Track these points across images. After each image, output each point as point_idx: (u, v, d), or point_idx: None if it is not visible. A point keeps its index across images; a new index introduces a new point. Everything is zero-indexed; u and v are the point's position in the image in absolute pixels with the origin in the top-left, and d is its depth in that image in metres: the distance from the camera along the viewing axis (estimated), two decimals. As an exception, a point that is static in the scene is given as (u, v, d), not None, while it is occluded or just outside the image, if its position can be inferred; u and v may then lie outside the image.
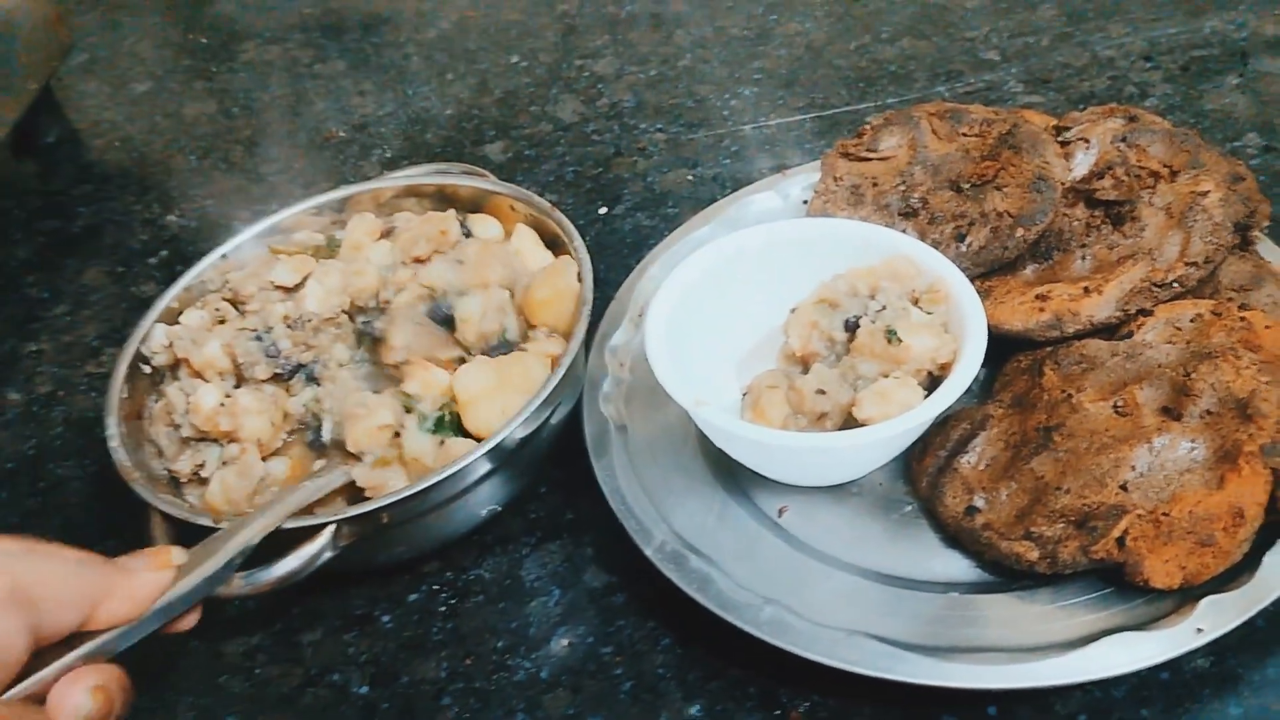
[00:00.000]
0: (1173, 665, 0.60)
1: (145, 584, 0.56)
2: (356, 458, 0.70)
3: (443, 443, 0.70)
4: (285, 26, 1.42)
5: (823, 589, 0.65)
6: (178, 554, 0.59)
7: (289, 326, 0.75)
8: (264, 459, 0.73)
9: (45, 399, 0.93)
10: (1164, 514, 0.61)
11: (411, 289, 0.77)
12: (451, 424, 0.71)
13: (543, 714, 0.65)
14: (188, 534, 0.67)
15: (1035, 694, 0.61)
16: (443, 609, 0.71)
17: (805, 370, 0.71)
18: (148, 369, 0.78)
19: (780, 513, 0.71)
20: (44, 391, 0.94)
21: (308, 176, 1.14)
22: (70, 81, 1.37)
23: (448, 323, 0.77)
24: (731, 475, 0.72)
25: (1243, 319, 0.69)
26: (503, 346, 0.76)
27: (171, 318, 0.80)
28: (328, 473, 0.70)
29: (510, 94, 1.21)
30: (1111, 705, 0.60)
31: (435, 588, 0.72)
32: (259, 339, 0.75)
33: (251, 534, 0.62)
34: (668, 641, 0.67)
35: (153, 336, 0.78)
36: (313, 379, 0.75)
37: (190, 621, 0.60)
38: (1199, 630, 0.57)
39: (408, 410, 0.71)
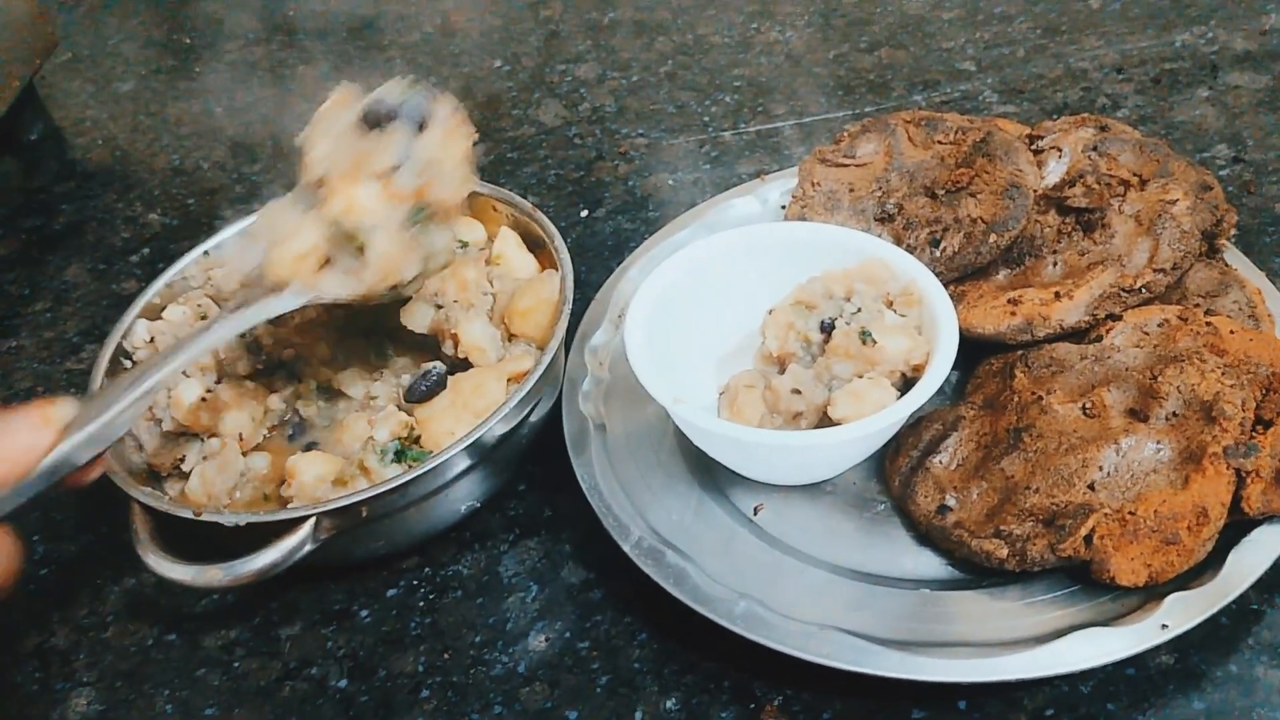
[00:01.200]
0: (1138, 661, 0.62)
1: (23, 445, 0.53)
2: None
3: (410, 466, 0.69)
4: (269, 28, 1.42)
5: (796, 585, 0.66)
6: (62, 410, 0.55)
7: (271, 323, 0.76)
8: (244, 454, 0.73)
9: (25, 395, 0.93)
10: (1130, 513, 0.62)
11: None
12: (411, 451, 0.70)
13: (520, 708, 0.65)
14: (168, 526, 0.67)
15: (1004, 688, 0.62)
16: (421, 604, 0.72)
17: (782, 370, 0.73)
18: (129, 364, 0.78)
19: (756, 510, 0.72)
20: (24, 387, 0.94)
21: (290, 176, 1.14)
22: (54, 79, 1.37)
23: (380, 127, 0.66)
24: (709, 473, 0.73)
25: (1209, 324, 0.71)
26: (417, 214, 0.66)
27: (153, 313, 0.80)
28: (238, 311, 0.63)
29: (493, 97, 1.21)
30: (1078, 700, 0.61)
31: (414, 583, 0.73)
32: (240, 335, 0.75)
33: (156, 380, 0.59)
34: (644, 636, 0.68)
35: (134, 332, 0.79)
36: (295, 375, 0.76)
37: (92, 475, 0.56)
38: (1164, 626, 0.59)
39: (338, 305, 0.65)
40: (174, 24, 1.47)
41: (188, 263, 0.84)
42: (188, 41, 1.43)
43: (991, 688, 0.62)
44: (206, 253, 0.84)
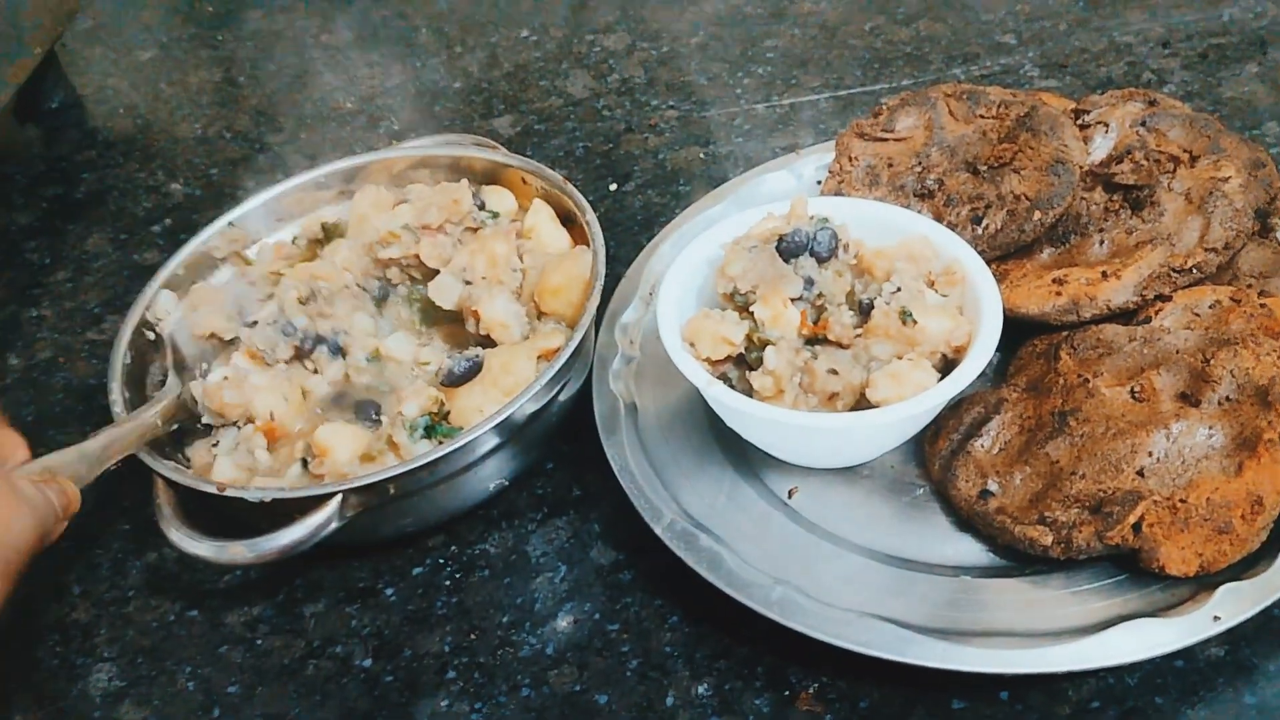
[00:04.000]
0: (1187, 653, 0.60)
1: None
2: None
3: (440, 442, 0.68)
4: (292, -4, 1.40)
5: (833, 570, 0.64)
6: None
7: (302, 303, 0.74)
8: (294, 436, 0.72)
9: (46, 365, 0.92)
10: (1181, 500, 0.60)
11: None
12: (441, 427, 0.70)
13: (548, 690, 0.64)
14: (192, 500, 0.66)
15: (1048, 679, 0.60)
16: (447, 583, 0.70)
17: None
18: (151, 335, 0.77)
19: (790, 494, 0.70)
20: (45, 358, 0.93)
21: (314, 147, 1.13)
22: (75, 47, 1.35)
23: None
24: (742, 455, 0.72)
25: (1263, 305, 0.68)
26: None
27: (176, 284, 0.79)
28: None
29: (520, 68, 1.19)
30: (1125, 692, 0.59)
31: (440, 561, 0.72)
32: (273, 321, 0.74)
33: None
34: (675, 619, 0.66)
35: (158, 303, 0.77)
36: (338, 350, 0.74)
37: None
38: (1216, 618, 0.57)
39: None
40: (196, -9, 1.46)
41: (211, 234, 0.83)
42: (210, 10, 1.41)
43: (1034, 679, 0.60)
44: (231, 223, 0.83)
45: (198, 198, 1.09)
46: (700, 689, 0.63)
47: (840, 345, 0.68)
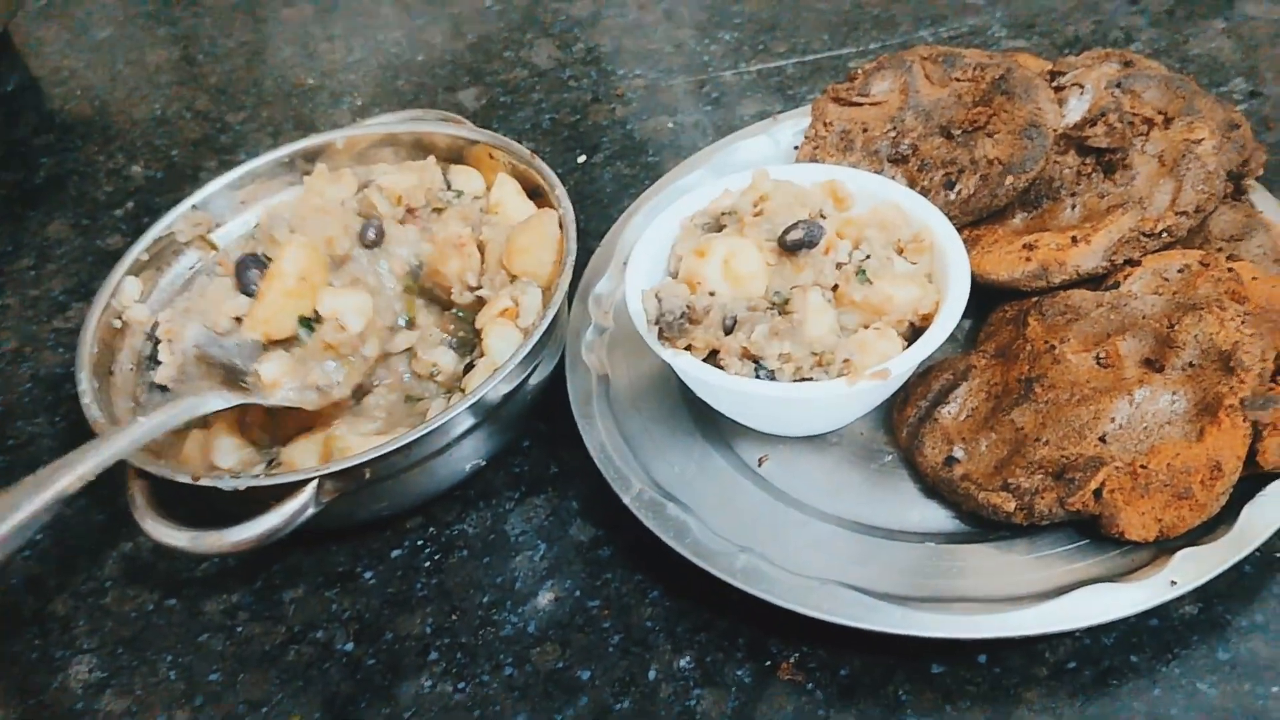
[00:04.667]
0: (1161, 612, 0.61)
1: None
2: None
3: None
4: (249, -31, 1.38)
5: (799, 538, 0.65)
6: None
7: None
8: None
9: (11, 355, 0.91)
10: (1142, 466, 0.61)
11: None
12: None
13: (531, 668, 0.64)
14: (165, 490, 0.65)
15: (1025, 641, 0.61)
16: (426, 565, 0.70)
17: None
18: (118, 323, 0.76)
19: (760, 462, 0.70)
20: (10, 348, 0.92)
21: (276, 124, 1.11)
22: (28, 28, 1.32)
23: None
24: (713, 424, 0.72)
25: (1230, 270, 0.68)
26: None
27: (140, 270, 0.78)
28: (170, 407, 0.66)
29: (484, 39, 1.18)
30: (1101, 652, 0.60)
31: (418, 543, 0.71)
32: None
33: (70, 480, 0.60)
34: (656, 594, 0.66)
35: (123, 290, 0.76)
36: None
37: None
38: (1173, 583, 0.57)
39: None
40: (151, -33, 1.42)
41: (174, 218, 0.81)
42: (166, -15, 1.38)
43: (1012, 641, 0.61)
44: (194, 207, 0.82)
45: (159, 180, 1.07)
46: (682, 662, 0.63)
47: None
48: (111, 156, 1.11)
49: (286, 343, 0.70)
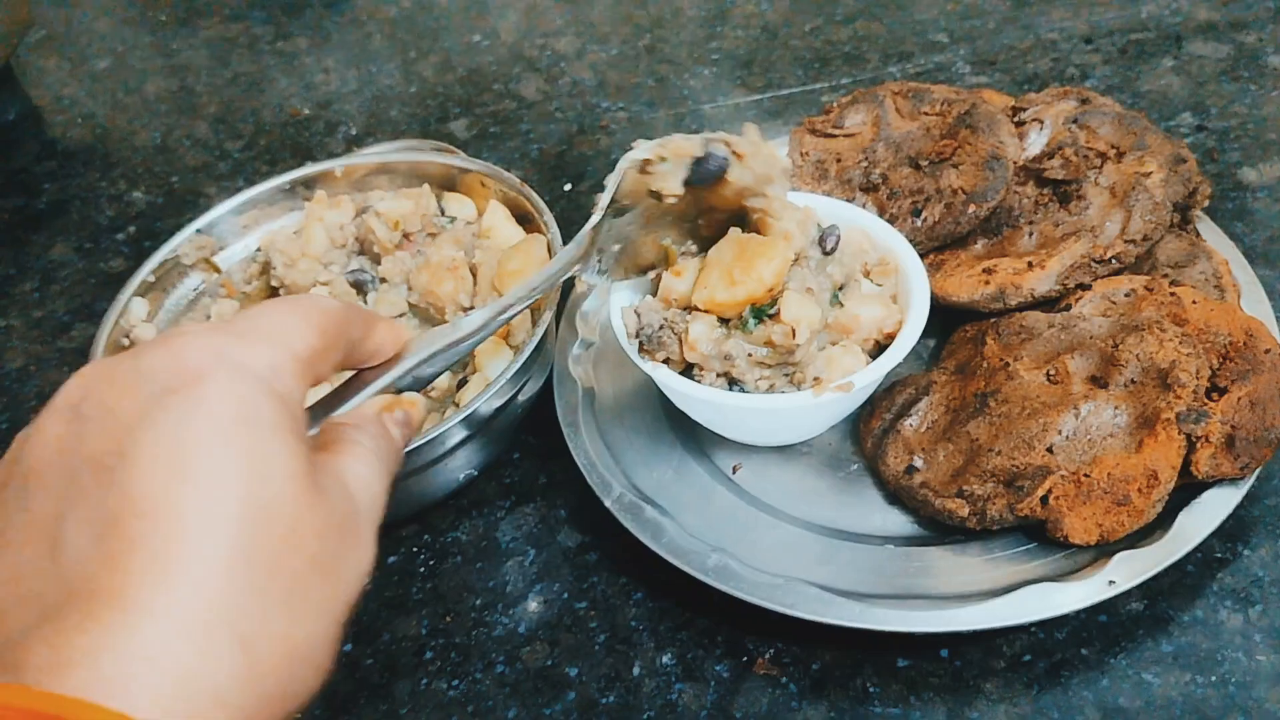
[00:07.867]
0: (1109, 608, 0.65)
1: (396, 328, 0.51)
2: None
3: None
4: (245, 3, 1.42)
5: (768, 540, 0.69)
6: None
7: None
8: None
9: (18, 374, 0.94)
10: (1085, 475, 0.65)
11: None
12: None
13: (521, 666, 0.68)
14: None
15: (984, 636, 0.65)
16: (422, 570, 0.74)
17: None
18: (126, 342, 0.79)
19: (735, 469, 0.74)
20: (16, 366, 0.95)
21: (274, 153, 1.16)
22: (29, 59, 1.36)
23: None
24: (691, 434, 0.76)
25: (1173, 294, 0.73)
26: None
27: (147, 291, 0.82)
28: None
29: (474, 71, 1.22)
30: (1054, 646, 0.65)
31: (414, 550, 0.75)
32: None
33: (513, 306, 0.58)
34: (639, 595, 0.71)
35: (131, 310, 0.80)
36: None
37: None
38: (1111, 582, 0.62)
39: None
40: (149, 0, 1.47)
41: (180, 241, 0.85)
42: (163, 18, 1.42)
43: (971, 636, 0.65)
44: (199, 230, 0.86)
45: (160, 205, 1.11)
46: (664, 658, 0.67)
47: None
48: (113, 183, 1.15)
49: None
